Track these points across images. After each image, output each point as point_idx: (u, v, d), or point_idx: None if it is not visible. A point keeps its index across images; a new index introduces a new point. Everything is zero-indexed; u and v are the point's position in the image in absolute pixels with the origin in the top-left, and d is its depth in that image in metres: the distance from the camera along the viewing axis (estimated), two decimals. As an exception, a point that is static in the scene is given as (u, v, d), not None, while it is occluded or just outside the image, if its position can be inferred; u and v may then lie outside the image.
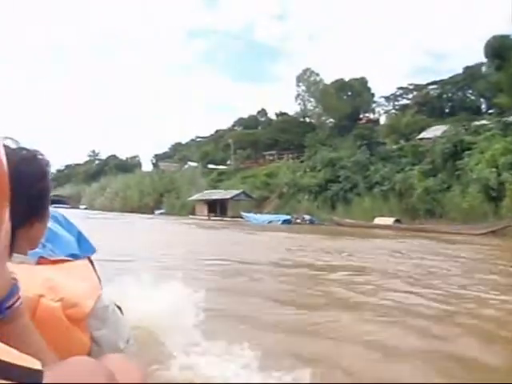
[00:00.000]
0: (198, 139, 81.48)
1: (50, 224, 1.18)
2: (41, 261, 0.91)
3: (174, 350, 3.46)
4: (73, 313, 0.76)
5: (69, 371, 0.57)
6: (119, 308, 0.94)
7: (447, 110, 62.95)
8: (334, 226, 30.63)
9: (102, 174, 68.63)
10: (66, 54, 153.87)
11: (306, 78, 55.79)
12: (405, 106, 65.30)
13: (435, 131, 43.44)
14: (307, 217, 32.12)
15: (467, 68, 66.31)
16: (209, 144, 67.60)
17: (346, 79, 65.28)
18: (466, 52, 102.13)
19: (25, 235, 0.89)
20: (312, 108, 59.27)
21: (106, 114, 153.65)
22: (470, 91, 64.67)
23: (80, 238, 1.47)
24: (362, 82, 69.16)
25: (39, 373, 0.52)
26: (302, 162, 43.36)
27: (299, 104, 57.41)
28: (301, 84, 56.31)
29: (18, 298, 0.64)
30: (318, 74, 56.01)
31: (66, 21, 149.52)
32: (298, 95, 56.84)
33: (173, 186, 50.26)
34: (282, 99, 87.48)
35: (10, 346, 0.54)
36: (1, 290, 0.61)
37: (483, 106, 62.88)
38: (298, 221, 31.22)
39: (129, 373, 0.68)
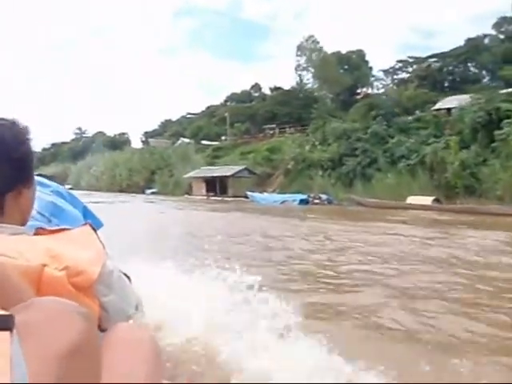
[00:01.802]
0: (189, 116, 74.65)
1: (55, 199, 1.21)
2: (39, 231, 0.82)
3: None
4: (79, 281, 0.70)
5: (42, 311, 0.53)
6: (127, 276, 0.88)
7: (447, 84, 57.39)
8: (355, 206, 24.98)
9: (89, 152, 61.70)
10: (51, 32, 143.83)
11: (308, 47, 49.33)
12: (404, 80, 59.43)
13: (452, 101, 37.95)
14: (324, 196, 26.38)
15: (469, 40, 60.81)
16: (201, 119, 61.03)
17: (343, 52, 59.55)
18: (463, 26, 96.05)
19: (14, 203, 0.84)
20: (311, 80, 53.18)
21: (94, 93, 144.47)
22: (472, 64, 58.92)
23: (86, 213, 1.40)
24: (360, 54, 63.25)
25: (9, 317, 0.48)
26: (307, 135, 37.39)
27: (299, 75, 51.12)
28: (300, 53, 49.87)
29: None
30: (318, 42, 49.62)
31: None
32: (298, 65, 50.49)
33: (165, 163, 43.94)
34: (273, 76, 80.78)
35: None
36: None
37: (485, 80, 57.22)
38: (316, 201, 25.36)
39: (141, 342, 0.63)
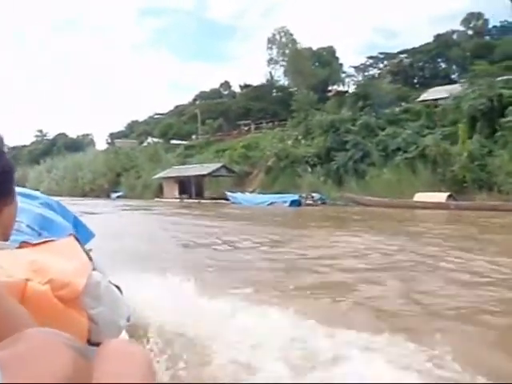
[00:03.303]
0: (157, 116, 69.13)
1: (44, 211, 1.11)
2: (22, 245, 0.78)
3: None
4: (64, 293, 0.66)
5: (27, 345, 0.49)
6: (118, 287, 0.82)
7: (417, 80, 54.91)
8: (352, 205, 20.97)
9: (50, 155, 55.31)
10: (12, 31, 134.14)
11: (280, 40, 45.16)
12: (376, 76, 56.41)
13: (438, 92, 34.75)
14: (316, 195, 22.15)
15: (438, 36, 58.75)
16: (170, 118, 55.82)
17: (314, 48, 56.07)
18: (427, 25, 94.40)
19: None
20: (282, 75, 49.14)
21: (55, 95, 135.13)
22: (442, 59, 56.72)
23: (77, 224, 1.32)
24: (330, 51, 59.91)
25: None
26: (286, 129, 33.20)
27: (272, 68, 46.96)
28: (271, 46, 45.64)
29: None
30: (292, 34, 45.49)
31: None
32: (271, 59, 46.28)
33: (131, 164, 38.76)
34: (241, 75, 76.14)
35: None
36: None
37: (453, 76, 54.88)
38: (309, 201, 21.10)
39: (134, 358, 0.58)
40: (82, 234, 1.17)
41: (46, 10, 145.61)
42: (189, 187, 29.97)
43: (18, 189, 0.88)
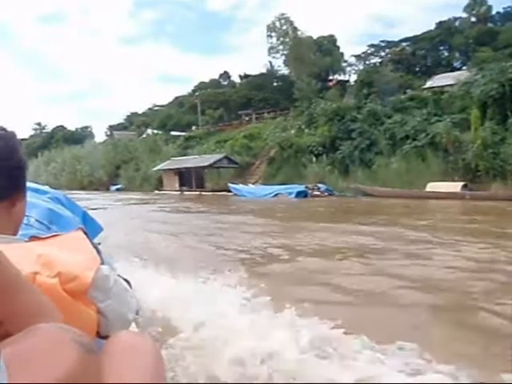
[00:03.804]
0: (156, 108, 67.61)
1: (53, 206, 1.12)
2: (32, 239, 0.78)
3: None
4: (72, 287, 0.65)
5: (34, 341, 0.48)
6: (127, 281, 0.82)
7: (418, 68, 53.50)
8: (360, 196, 19.85)
9: (48, 148, 53.95)
10: (10, 25, 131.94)
11: (280, 27, 43.61)
12: (377, 65, 55.00)
13: (444, 79, 33.53)
14: (322, 186, 20.96)
15: (440, 23, 57.27)
16: (170, 110, 54.40)
17: (315, 37, 54.51)
18: (422, 14, 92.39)
19: (6, 213, 0.79)
20: (283, 64, 47.63)
21: (53, 88, 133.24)
22: (445, 47, 55.31)
23: (85, 218, 1.32)
24: (331, 40, 58.32)
25: None
26: (288, 119, 31.96)
27: (272, 57, 45.49)
28: (271, 34, 44.06)
29: None
30: (292, 22, 43.92)
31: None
32: (271, 48, 44.74)
33: (131, 156, 37.47)
34: (241, 66, 74.49)
35: None
36: None
37: (456, 63, 53.48)
38: (316, 192, 19.91)
39: (143, 350, 0.58)
40: (90, 228, 1.16)
41: (41, 2, 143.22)
42: (189, 179, 28.75)
43: (27, 183, 0.86)
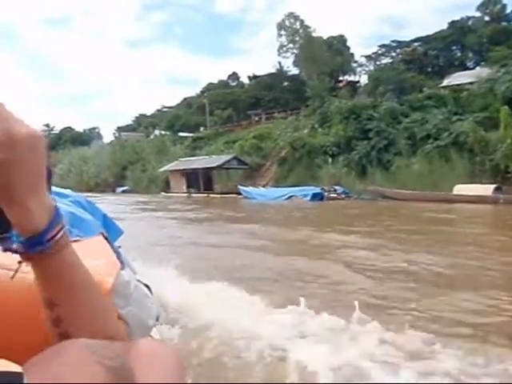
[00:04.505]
0: (165, 109, 66.29)
1: (75, 209, 1.13)
2: None
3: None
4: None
5: (54, 365, 0.46)
6: (147, 286, 0.80)
7: (430, 69, 51.66)
8: (379, 199, 18.19)
9: (56, 149, 52.82)
10: (18, 28, 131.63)
11: (290, 26, 42.05)
12: (388, 65, 53.29)
13: (462, 77, 31.81)
14: (339, 188, 19.32)
15: (452, 22, 55.38)
16: (178, 110, 53.02)
17: (324, 37, 52.91)
18: (430, 16, 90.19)
19: None
20: (293, 63, 46.02)
21: (62, 90, 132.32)
22: (457, 47, 53.45)
23: (106, 221, 1.31)
24: (341, 40, 56.60)
25: (18, 376, 0.42)
26: (300, 119, 30.37)
27: (283, 57, 43.97)
28: (282, 33, 42.51)
29: (62, 228, 0.51)
30: (303, 21, 42.32)
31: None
32: (281, 46, 43.18)
33: (137, 157, 36.05)
34: (250, 68, 72.94)
35: (57, 289, 0.49)
36: (41, 218, 0.48)
37: (470, 63, 51.56)
38: (333, 195, 18.29)
39: (163, 358, 0.57)
40: (111, 232, 1.17)
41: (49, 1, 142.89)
42: (197, 181, 27.23)
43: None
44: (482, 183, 17.42)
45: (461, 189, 16.45)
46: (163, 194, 27.77)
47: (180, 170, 28.53)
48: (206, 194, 24.86)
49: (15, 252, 0.49)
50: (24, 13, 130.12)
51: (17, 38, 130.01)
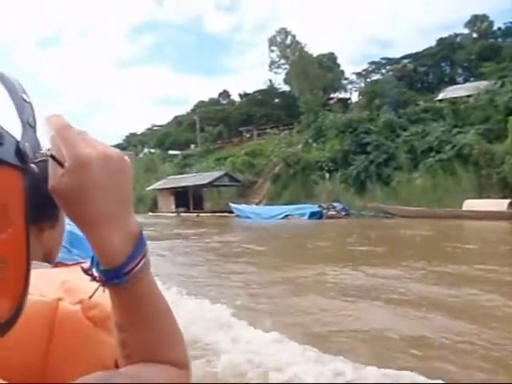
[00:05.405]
0: (156, 128, 64.87)
1: (74, 228, 0.99)
2: (57, 265, 0.77)
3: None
4: (95, 314, 0.61)
5: None
6: None
7: (420, 85, 51.09)
8: (381, 216, 16.66)
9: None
10: (9, 47, 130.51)
11: (282, 41, 41.15)
12: (383, 78, 52.74)
13: (457, 91, 30.88)
14: (338, 205, 17.73)
15: (441, 39, 55.36)
16: (168, 128, 51.57)
17: (314, 55, 52.28)
18: (415, 36, 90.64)
19: (34, 238, 0.72)
20: (283, 83, 45.11)
21: (53, 110, 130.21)
22: (447, 63, 53.23)
23: None
24: (331, 57, 55.96)
25: None
26: (293, 135, 29.04)
27: (274, 73, 42.93)
28: (273, 48, 41.57)
29: (143, 256, 0.45)
30: (294, 36, 41.48)
31: (7, 12, 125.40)
32: (273, 62, 42.17)
33: (125, 176, 34.13)
34: (240, 86, 72.09)
35: (128, 317, 0.47)
36: (122, 248, 0.43)
37: (459, 79, 51.05)
38: (332, 213, 16.69)
39: (168, 378, 0.53)
40: None
41: (39, 22, 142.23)
42: (186, 199, 25.49)
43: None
44: (490, 197, 16.03)
45: (471, 204, 15.00)
46: (150, 213, 25.97)
47: (169, 188, 26.80)
48: (195, 213, 23.13)
49: (94, 279, 0.46)
50: (16, 34, 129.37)
51: (7, 56, 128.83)
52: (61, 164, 0.40)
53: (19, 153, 0.35)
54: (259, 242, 10.56)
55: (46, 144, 0.43)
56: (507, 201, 14.37)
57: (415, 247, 9.17)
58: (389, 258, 7.82)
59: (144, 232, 0.44)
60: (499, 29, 54.21)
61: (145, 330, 0.48)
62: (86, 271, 0.47)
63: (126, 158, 0.43)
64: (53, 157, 0.40)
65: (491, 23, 53.84)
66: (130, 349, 0.49)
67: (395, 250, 8.90)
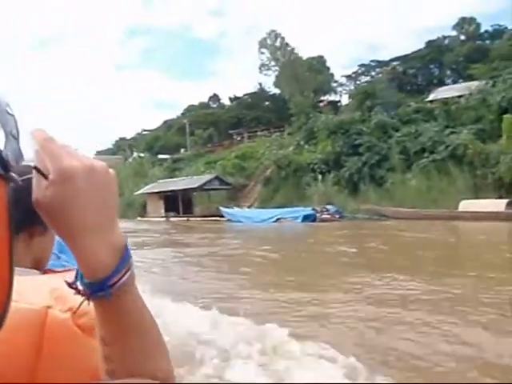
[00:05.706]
0: (145, 132, 64.07)
1: None
2: (46, 271, 0.76)
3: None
4: (84, 322, 0.60)
5: None
6: None
7: (409, 87, 51.15)
8: (376, 219, 16.20)
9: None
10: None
11: (272, 43, 40.76)
12: (375, 79, 52.72)
13: (447, 91, 30.72)
14: (331, 208, 17.25)
15: (429, 42, 55.60)
16: (157, 132, 50.88)
17: (304, 58, 52.07)
18: (404, 39, 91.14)
19: (24, 245, 0.74)
20: (274, 82, 44.73)
21: (41, 112, 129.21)
22: (435, 65, 53.40)
23: None
24: (321, 60, 55.79)
25: None
26: (282, 137, 28.61)
27: (264, 75, 42.55)
28: (263, 50, 41.19)
29: (128, 269, 0.45)
30: (283, 38, 41.13)
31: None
32: (263, 65, 41.76)
33: (114, 181, 33.36)
34: (230, 89, 71.70)
35: (112, 331, 0.47)
36: (106, 260, 0.43)
37: (448, 81, 51.16)
38: (325, 216, 16.18)
39: None
40: None
41: (29, 25, 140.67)
42: (176, 203, 24.82)
43: None
44: (485, 198, 15.65)
45: (467, 205, 14.59)
46: (139, 218, 25.26)
47: (158, 192, 26.12)
48: (185, 218, 22.48)
49: (78, 293, 0.46)
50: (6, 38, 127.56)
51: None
52: (45, 176, 0.40)
53: (1, 161, 0.34)
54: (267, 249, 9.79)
55: (30, 156, 0.42)
56: (505, 201, 13.98)
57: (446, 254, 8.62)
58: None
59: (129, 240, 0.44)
60: (486, 31, 54.52)
61: (129, 343, 0.48)
62: (70, 285, 0.46)
63: (111, 170, 0.43)
64: (37, 169, 0.40)
65: (478, 25, 54.12)
66: (115, 364, 0.48)
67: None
